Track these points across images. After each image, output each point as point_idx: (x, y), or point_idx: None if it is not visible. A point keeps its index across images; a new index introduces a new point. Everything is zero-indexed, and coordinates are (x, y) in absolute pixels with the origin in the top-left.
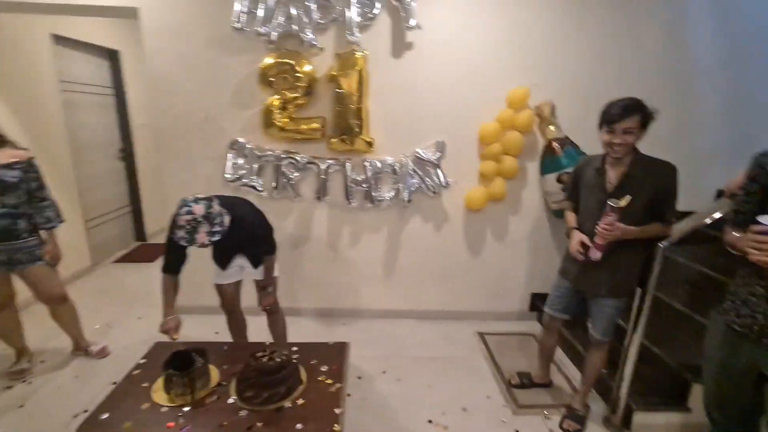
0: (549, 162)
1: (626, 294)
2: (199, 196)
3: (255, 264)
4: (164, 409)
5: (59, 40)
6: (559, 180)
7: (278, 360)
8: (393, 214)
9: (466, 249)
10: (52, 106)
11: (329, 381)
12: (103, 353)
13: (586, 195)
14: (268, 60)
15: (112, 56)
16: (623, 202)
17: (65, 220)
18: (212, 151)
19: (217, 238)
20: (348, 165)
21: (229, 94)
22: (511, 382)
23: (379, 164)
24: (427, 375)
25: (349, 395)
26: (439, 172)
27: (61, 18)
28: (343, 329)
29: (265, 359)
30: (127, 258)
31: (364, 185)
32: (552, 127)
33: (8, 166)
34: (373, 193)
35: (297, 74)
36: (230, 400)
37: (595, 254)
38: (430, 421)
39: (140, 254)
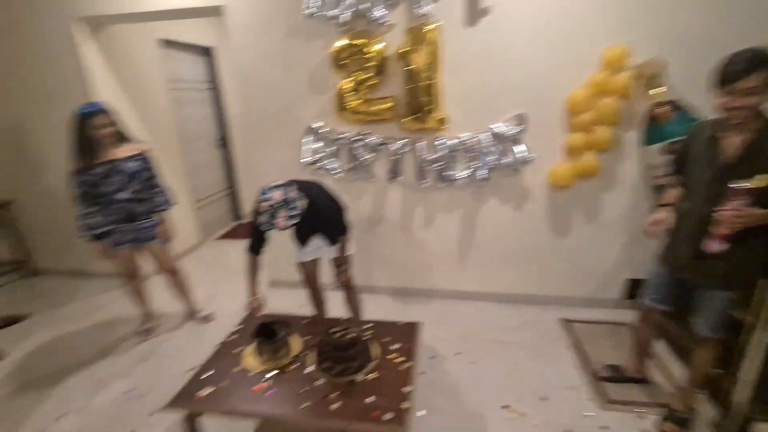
0: (653, 131)
1: (743, 285)
2: (277, 183)
3: (331, 243)
4: (254, 373)
5: (164, 43)
6: (669, 151)
7: (351, 336)
8: (468, 193)
9: (551, 230)
10: (162, 103)
11: (400, 359)
12: (209, 319)
13: (695, 169)
14: (340, 43)
15: (207, 53)
16: (757, 182)
17: (176, 204)
18: (291, 137)
19: (294, 221)
20: (419, 144)
21: (305, 80)
22: (599, 375)
23: (452, 142)
24: (504, 360)
25: (423, 373)
26: (519, 147)
27: (164, 23)
28: (417, 308)
29: (338, 335)
30: (227, 236)
31: (436, 164)
32: (657, 90)
33: (129, 159)
34: (445, 173)
35: (367, 54)
36: (309, 370)
37: (715, 246)
38: (505, 407)
39: (237, 232)
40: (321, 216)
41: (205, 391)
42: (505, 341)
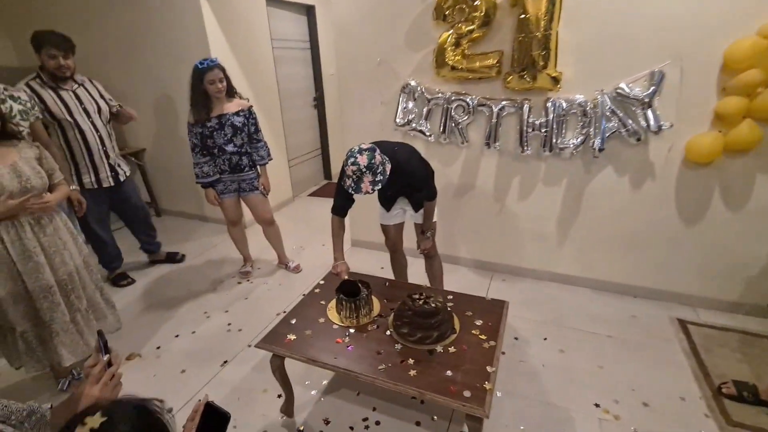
0: None
1: None
2: (363, 146)
3: (416, 208)
4: (335, 327)
5: (270, 1)
6: None
7: (433, 305)
8: (577, 164)
9: (677, 215)
10: (266, 61)
11: (483, 336)
12: (297, 269)
13: None
14: None
15: (309, 12)
16: None
17: (273, 159)
18: (385, 96)
19: (379, 187)
20: (526, 106)
21: (403, 34)
22: (721, 390)
23: (565, 104)
24: (599, 354)
25: (503, 353)
26: (649, 112)
27: None
28: (501, 285)
29: (420, 302)
30: (317, 193)
31: (543, 130)
32: None
33: (236, 113)
34: (553, 140)
35: (475, 2)
36: (387, 332)
37: None
38: (597, 405)
39: (326, 191)
40: (407, 180)
41: (291, 336)
42: (602, 334)
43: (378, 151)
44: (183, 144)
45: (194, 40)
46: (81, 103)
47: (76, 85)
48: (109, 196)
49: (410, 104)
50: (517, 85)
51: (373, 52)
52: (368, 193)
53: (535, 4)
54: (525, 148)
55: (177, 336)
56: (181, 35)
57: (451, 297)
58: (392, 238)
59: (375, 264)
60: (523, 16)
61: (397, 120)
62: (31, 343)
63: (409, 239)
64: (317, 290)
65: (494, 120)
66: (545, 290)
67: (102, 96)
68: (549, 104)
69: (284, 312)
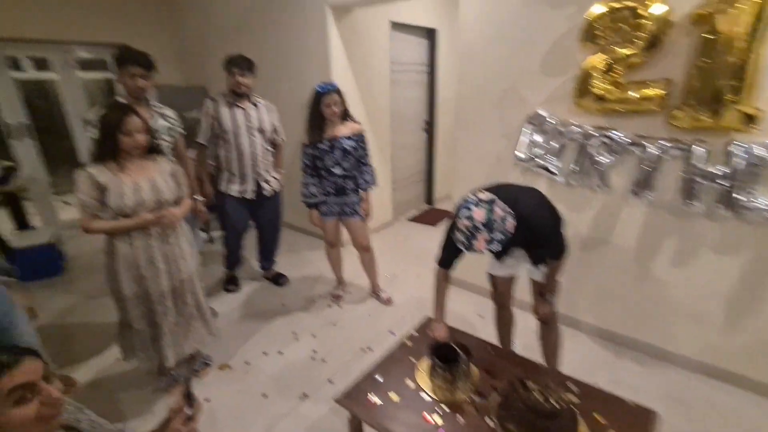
0: None
1: None
2: (481, 195)
3: (535, 262)
4: (425, 397)
5: (394, 25)
6: None
7: (555, 403)
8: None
9: None
10: (383, 84)
11: None
12: (389, 302)
13: None
14: (598, 8)
15: (430, 36)
16: None
17: (378, 185)
18: (507, 126)
19: (496, 247)
20: (699, 150)
21: (539, 57)
22: None
23: (761, 151)
24: None
25: None
26: None
27: (395, 5)
28: (635, 369)
29: (536, 393)
30: (417, 219)
31: (722, 182)
32: None
33: (348, 137)
34: (737, 196)
35: (639, 20)
36: (488, 421)
37: None
38: None
39: (427, 217)
40: (529, 234)
41: (375, 399)
42: None
43: (497, 202)
44: (294, 159)
45: (316, 60)
46: (248, 120)
47: (252, 106)
48: (251, 207)
49: (537, 137)
50: (689, 123)
51: (500, 77)
52: (481, 252)
53: (730, 21)
54: (692, 201)
55: (265, 354)
56: (305, 56)
57: (576, 389)
58: (500, 291)
59: (472, 310)
60: (709, 36)
61: (519, 153)
62: (146, 341)
63: (519, 290)
64: (409, 342)
65: (649, 163)
66: (698, 387)
67: (270, 120)
68: (735, 149)
69: (369, 348)
